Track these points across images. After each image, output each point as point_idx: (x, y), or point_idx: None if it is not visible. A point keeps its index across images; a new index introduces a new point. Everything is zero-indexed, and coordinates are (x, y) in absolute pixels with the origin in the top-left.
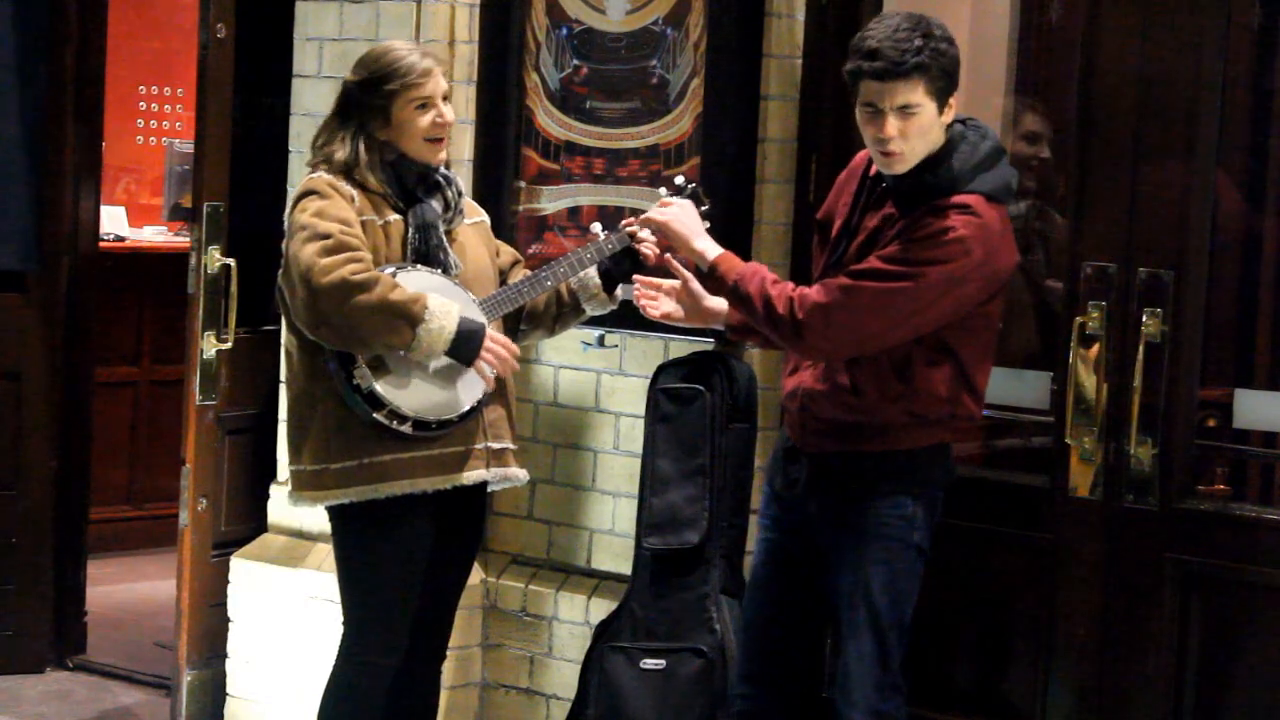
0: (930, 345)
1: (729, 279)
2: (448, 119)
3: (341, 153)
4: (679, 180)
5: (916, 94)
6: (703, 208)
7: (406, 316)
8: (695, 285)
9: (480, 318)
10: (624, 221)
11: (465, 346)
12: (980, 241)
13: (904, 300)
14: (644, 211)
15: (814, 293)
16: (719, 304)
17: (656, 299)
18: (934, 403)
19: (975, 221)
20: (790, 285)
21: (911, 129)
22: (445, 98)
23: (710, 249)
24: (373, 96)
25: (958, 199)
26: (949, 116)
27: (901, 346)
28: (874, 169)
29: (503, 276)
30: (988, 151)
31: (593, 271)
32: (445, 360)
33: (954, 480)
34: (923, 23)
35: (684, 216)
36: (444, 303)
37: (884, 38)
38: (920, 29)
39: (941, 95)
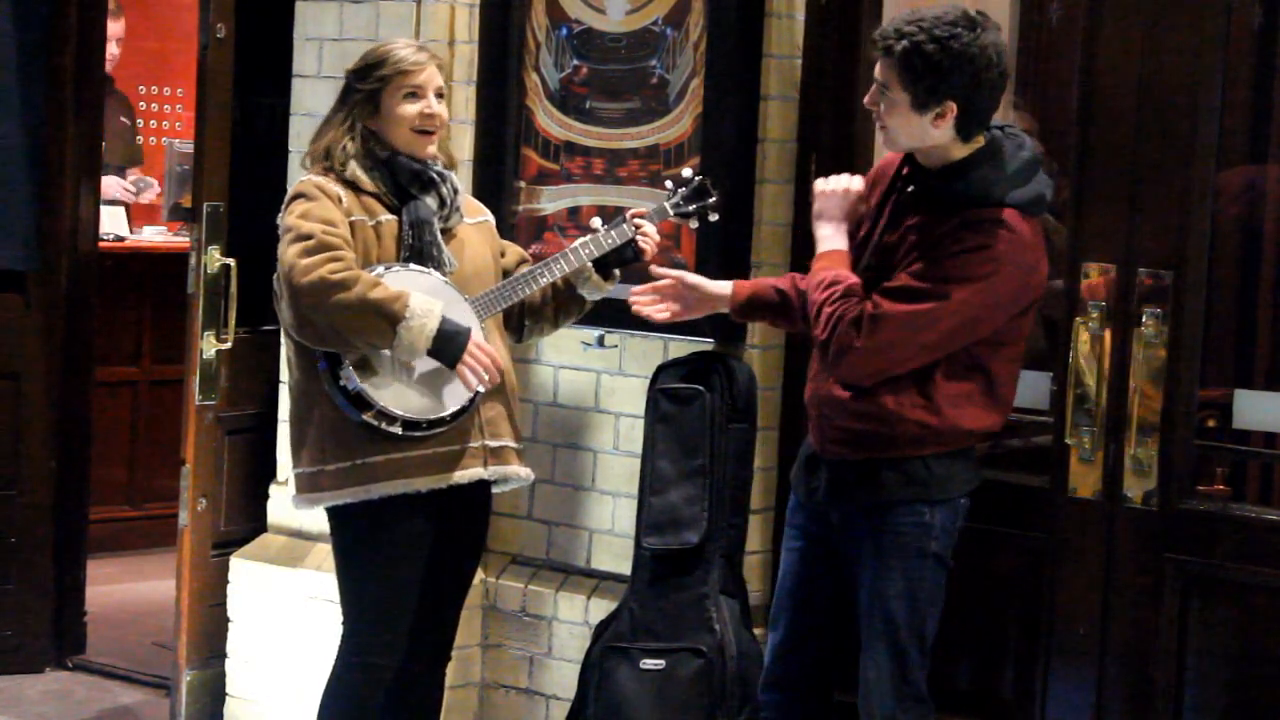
0: (959, 361)
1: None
2: (436, 111)
3: (328, 139)
4: (686, 172)
5: (889, 77)
6: (711, 199)
7: (387, 315)
8: (691, 277)
9: (469, 317)
10: (631, 212)
11: (448, 347)
12: (1014, 259)
13: (933, 321)
14: (645, 210)
15: (850, 324)
16: (721, 289)
17: (658, 304)
18: (948, 420)
19: (1010, 237)
20: (848, 304)
21: (886, 112)
22: (439, 94)
23: (827, 239)
24: (364, 83)
25: (994, 213)
26: (943, 123)
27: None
28: (905, 169)
29: (508, 276)
30: (1024, 162)
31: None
32: (432, 360)
33: (979, 486)
34: (940, 21)
35: (833, 199)
36: (426, 301)
37: (898, 17)
38: (927, 24)
39: (919, 93)
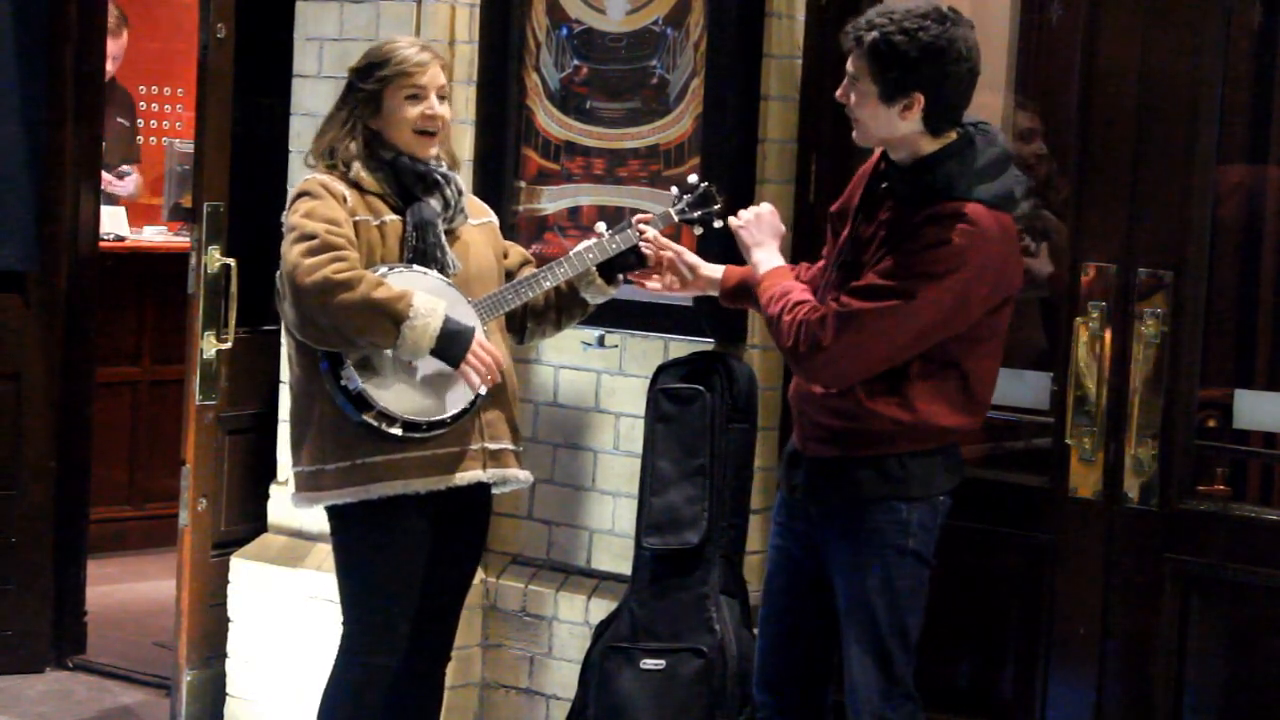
0: (933, 359)
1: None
2: (438, 112)
3: (330, 137)
4: (692, 178)
5: (859, 68)
6: (715, 206)
7: (391, 314)
8: (690, 256)
9: (472, 319)
10: (636, 217)
11: (452, 347)
12: (978, 253)
13: (901, 319)
14: (644, 211)
15: (815, 324)
16: (715, 272)
17: (652, 277)
18: (921, 417)
19: (972, 232)
20: (805, 308)
21: (857, 104)
22: (442, 95)
23: (764, 262)
24: (367, 82)
25: (957, 207)
26: (911, 115)
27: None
28: (881, 165)
29: (511, 277)
30: (992, 158)
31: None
32: (434, 361)
33: (962, 482)
34: (911, 14)
35: (756, 227)
36: (430, 300)
37: (871, 10)
38: (898, 16)
39: (888, 85)
